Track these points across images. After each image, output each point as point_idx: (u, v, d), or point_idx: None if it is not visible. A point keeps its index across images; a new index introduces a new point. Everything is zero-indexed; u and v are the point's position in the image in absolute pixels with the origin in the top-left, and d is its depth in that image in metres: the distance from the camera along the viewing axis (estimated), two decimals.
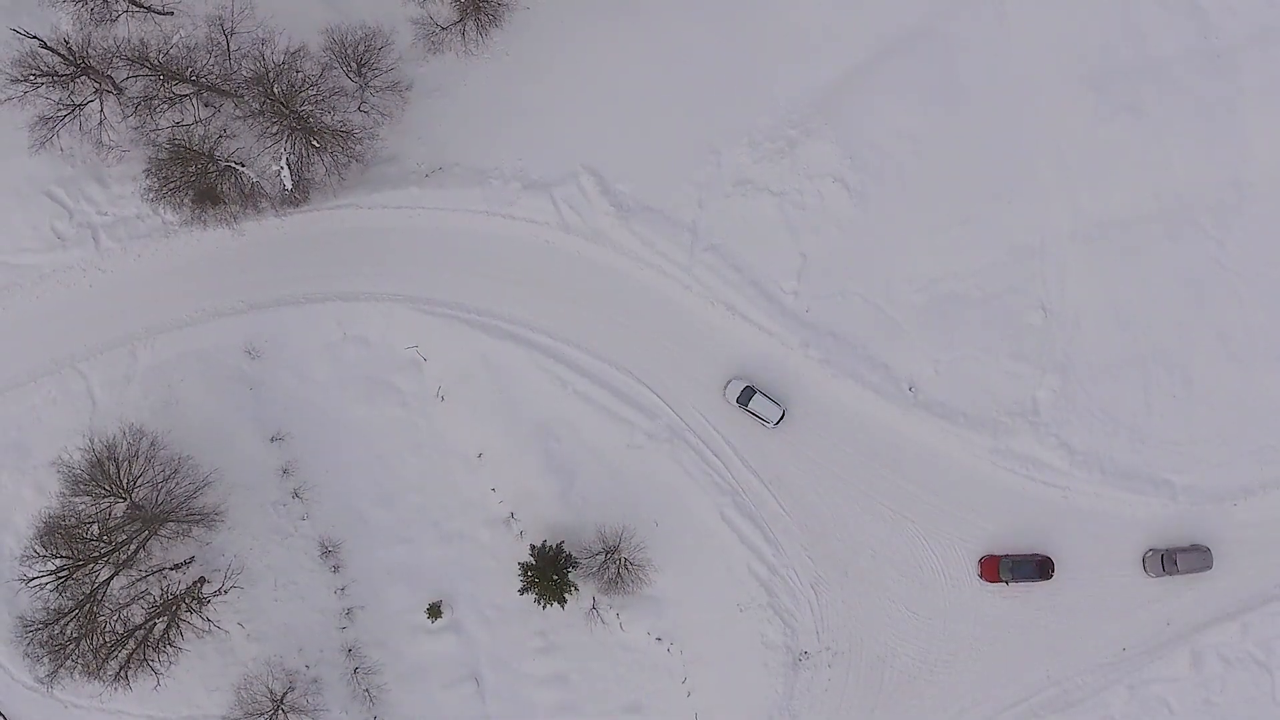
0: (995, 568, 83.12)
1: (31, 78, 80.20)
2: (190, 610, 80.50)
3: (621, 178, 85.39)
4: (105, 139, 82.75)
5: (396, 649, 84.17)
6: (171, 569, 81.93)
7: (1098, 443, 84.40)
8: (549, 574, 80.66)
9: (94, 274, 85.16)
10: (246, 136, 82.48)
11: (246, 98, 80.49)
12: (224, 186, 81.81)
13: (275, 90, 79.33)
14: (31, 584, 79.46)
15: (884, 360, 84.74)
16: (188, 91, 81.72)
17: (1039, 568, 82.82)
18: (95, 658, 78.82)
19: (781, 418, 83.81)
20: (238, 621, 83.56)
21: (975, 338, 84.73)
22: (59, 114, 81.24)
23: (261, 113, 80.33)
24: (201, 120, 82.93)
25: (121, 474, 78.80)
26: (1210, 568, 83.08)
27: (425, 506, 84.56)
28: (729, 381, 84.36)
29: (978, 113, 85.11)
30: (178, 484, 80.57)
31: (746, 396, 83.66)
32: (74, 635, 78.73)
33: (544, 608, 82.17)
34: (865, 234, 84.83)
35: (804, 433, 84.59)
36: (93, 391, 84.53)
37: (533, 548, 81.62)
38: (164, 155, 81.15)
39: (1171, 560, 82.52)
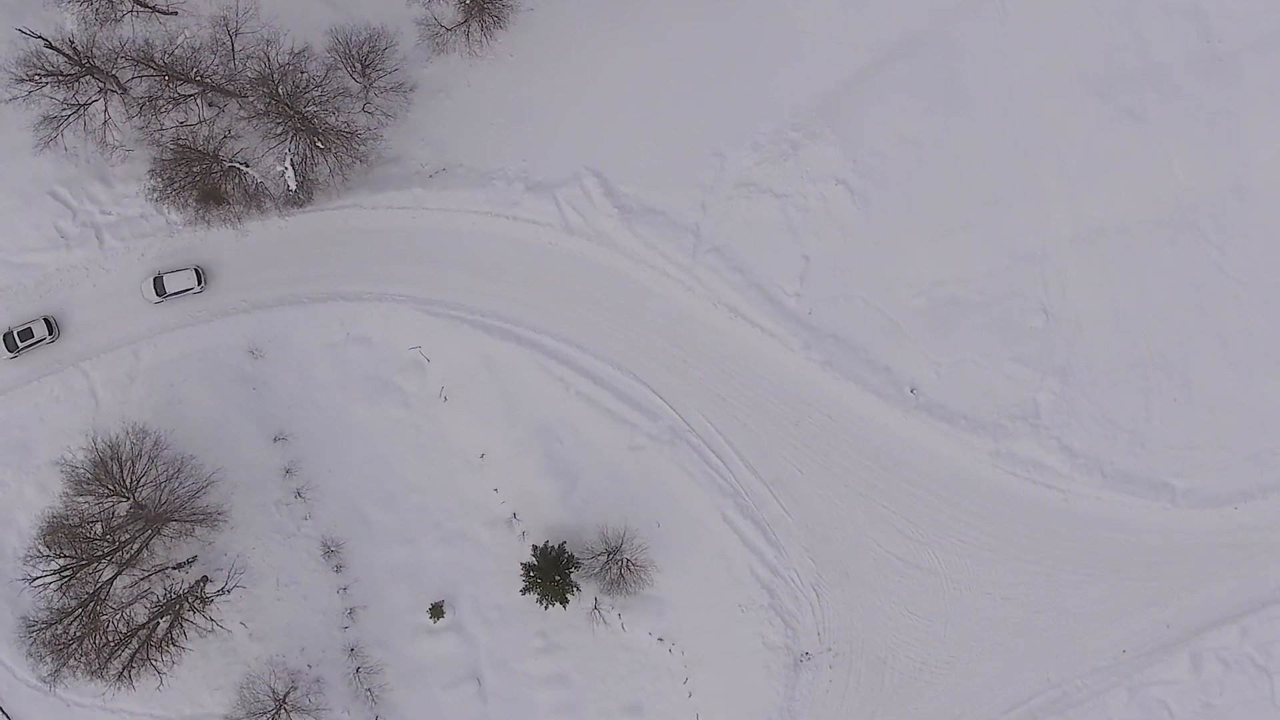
0: None
1: (36, 77, 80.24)
2: (193, 609, 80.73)
3: (625, 179, 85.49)
4: (109, 139, 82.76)
5: (398, 649, 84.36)
6: (174, 568, 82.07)
7: (1098, 446, 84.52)
8: (551, 574, 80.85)
9: (97, 273, 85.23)
10: (251, 137, 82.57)
11: (251, 98, 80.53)
12: (228, 187, 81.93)
13: (280, 91, 79.40)
14: (35, 583, 79.61)
15: (886, 363, 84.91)
16: (192, 92, 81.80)
17: None
18: (98, 657, 79.05)
19: (201, 279, 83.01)
20: (240, 621, 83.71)
21: (977, 341, 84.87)
22: (63, 114, 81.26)
23: (266, 113, 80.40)
24: (206, 120, 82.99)
25: (124, 473, 78.98)
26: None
27: (427, 507, 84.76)
28: (141, 283, 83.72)
29: (980, 117, 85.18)
30: (180, 483, 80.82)
31: (161, 287, 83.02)
32: (77, 634, 78.95)
33: (546, 608, 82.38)
34: (868, 237, 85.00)
35: (806, 435, 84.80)
36: (95, 391, 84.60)
37: (535, 548, 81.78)
38: (168, 155, 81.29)
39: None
